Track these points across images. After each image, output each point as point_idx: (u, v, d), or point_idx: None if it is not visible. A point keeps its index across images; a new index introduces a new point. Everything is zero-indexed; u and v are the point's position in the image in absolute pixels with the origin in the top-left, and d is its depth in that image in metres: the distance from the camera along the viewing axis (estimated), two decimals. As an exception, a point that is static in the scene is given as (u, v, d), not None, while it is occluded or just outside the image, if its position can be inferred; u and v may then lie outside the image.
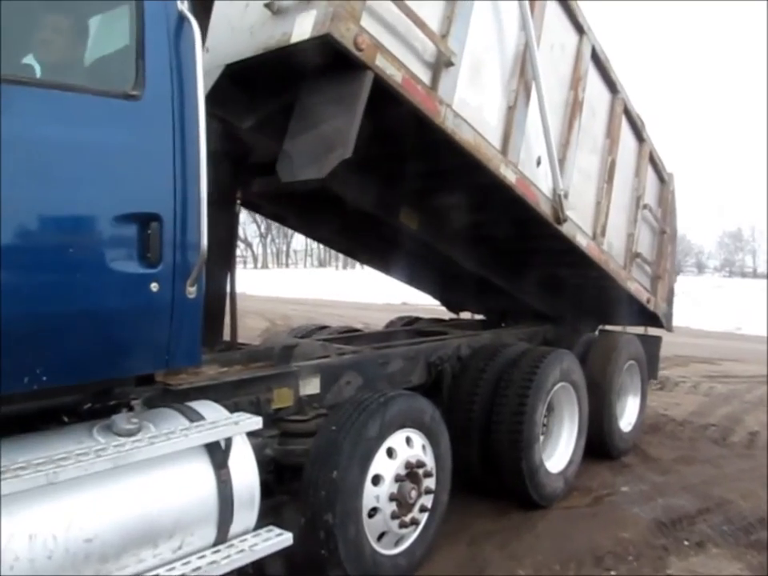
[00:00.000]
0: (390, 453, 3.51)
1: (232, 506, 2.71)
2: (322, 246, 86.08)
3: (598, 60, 5.13)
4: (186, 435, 2.55)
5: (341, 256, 79.05)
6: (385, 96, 3.37)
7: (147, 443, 2.45)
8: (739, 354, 13.35)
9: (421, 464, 3.64)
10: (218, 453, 2.70)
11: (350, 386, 4.21)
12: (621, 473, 5.75)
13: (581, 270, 5.83)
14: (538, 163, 4.57)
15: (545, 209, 4.67)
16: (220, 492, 2.67)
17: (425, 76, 3.54)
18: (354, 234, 6.00)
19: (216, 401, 3.37)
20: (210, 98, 3.40)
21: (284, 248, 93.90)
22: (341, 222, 5.74)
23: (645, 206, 6.24)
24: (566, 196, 4.71)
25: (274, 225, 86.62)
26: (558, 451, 5.06)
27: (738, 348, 14.57)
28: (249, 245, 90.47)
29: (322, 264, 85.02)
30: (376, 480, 3.42)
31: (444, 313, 8.08)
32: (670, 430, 7.31)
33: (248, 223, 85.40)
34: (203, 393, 3.35)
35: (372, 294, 25.90)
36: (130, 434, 2.54)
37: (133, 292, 2.47)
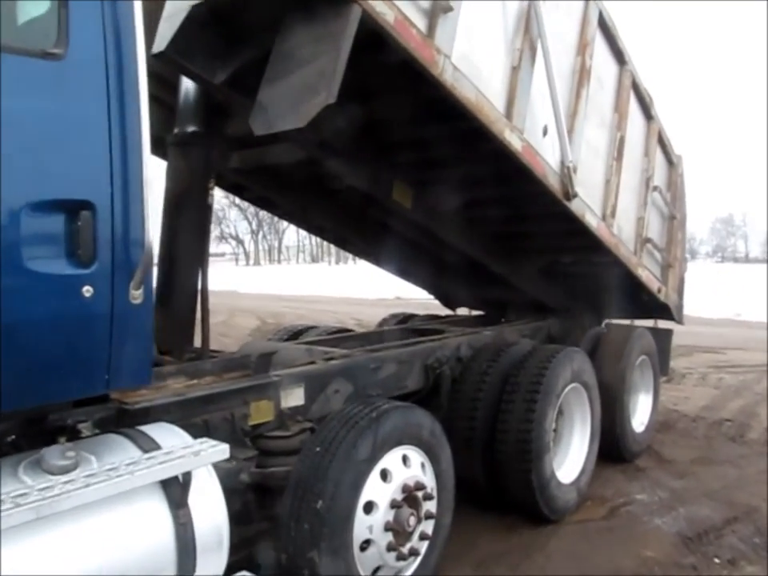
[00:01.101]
0: (385, 475, 3.05)
1: (194, 553, 2.25)
2: (314, 242, 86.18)
3: (605, 26, 4.67)
4: (132, 472, 2.07)
5: (333, 251, 79.01)
6: (375, 43, 2.92)
7: (82, 484, 1.97)
8: (743, 342, 12.98)
9: (420, 486, 3.18)
10: (175, 489, 2.22)
11: (339, 395, 3.76)
12: (636, 478, 5.31)
13: (588, 255, 5.39)
14: (545, 133, 4.12)
15: (552, 182, 4.22)
16: (178, 537, 2.20)
17: (420, 22, 3.07)
18: (345, 221, 5.56)
19: (183, 419, 2.95)
20: (175, 46, 3.01)
21: (276, 244, 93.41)
22: (330, 207, 5.32)
23: (655, 188, 5.79)
24: (574, 170, 4.25)
25: (266, 221, 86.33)
26: (570, 459, 4.62)
27: (741, 335, 14.20)
28: (240, 242, 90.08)
29: (314, 260, 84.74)
30: (368, 508, 2.96)
31: (439, 308, 7.63)
32: (683, 428, 6.89)
33: (239, 220, 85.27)
34: (167, 411, 2.90)
35: (365, 288, 25.51)
36: (63, 471, 2.07)
37: (59, 298, 1.99)
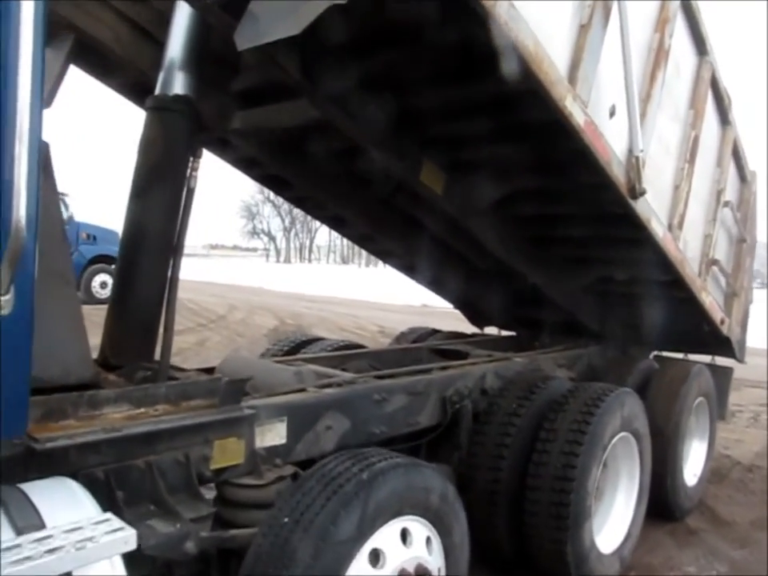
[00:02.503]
0: (376, 558, 2.28)
1: None
2: (345, 243, 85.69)
3: (688, 7, 3.88)
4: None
5: (363, 254, 78.41)
6: None
7: None
8: (795, 377, 11.91)
9: (423, 571, 2.41)
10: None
11: (332, 433, 3.03)
12: (688, 543, 4.47)
13: (646, 272, 4.59)
14: (612, 114, 3.36)
15: (617, 173, 3.46)
16: None
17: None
18: (368, 211, 4.82)
19: (117, 461, 2.26)
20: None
21: (307, 243, 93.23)
22: (351, 193, 4.62)
23: (726, 203, 4.96)
24: (643, 164, 3.48)
25: (299, 219, 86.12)
26: (612, 522, 3.80)
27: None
28: (272, 238, 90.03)
29: (344, 261, 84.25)
30: (350, 603, 2.20)
31: (465, 320, 6.85)
32: (738, 478, 5.99)
33: (272, 217, 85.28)
34: (94, 451, 2.20)
35: (392, 293, 24.79)
36: None
37: None
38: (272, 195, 79.96)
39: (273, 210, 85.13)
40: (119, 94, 3.96)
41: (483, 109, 3.44)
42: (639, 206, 3.67)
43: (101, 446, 2.22)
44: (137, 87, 3.76)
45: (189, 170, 2.94)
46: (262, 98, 3.57)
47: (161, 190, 3.00)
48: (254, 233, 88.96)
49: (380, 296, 25.75)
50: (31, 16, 1.46)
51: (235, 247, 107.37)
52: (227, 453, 2.63)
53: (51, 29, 3.26)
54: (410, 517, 2.41)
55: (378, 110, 3.48)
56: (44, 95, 3.14)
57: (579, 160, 3.34)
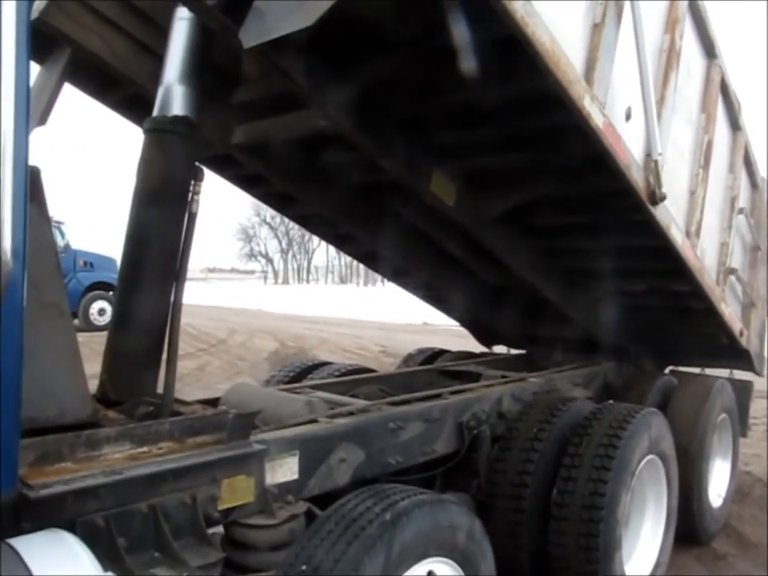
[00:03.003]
0: (401, 604, 2.11)
1: None
2: (343, 263, 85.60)
3: (695, 8, 3.78)
4: None
5: (362, 273, 78.36)
6: None
7: None
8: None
9: (450, 617, 2.24)
10: None
11: (346, 465, 2.86)
12: (716, 569, 4.28)
13: (665, 282, 4.45)
14: (628, 117, 3.25)
15: (636, 178, 3.33)
16: None
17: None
18: (375, 226, 4.62)
19: (118, 506, 2.08)
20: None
21: (305, 264, 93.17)
22: (358, 207, 4.46)
23: (740, 211, 4.83)
24: (662, 168, 3.38)
25: (296, 240, 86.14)
26: (640, 549, 3.62)
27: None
28: (270, 260, 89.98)
29: (342, 281, 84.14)
30: None
31: (469, 337, 6.70)
32: (760, 496, 5.80)
33: (270, 238, 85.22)
34: (93, 496, 2.02)
35: (392, 312, 24.62)
36: None
37: None
38: (268, 217, 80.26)
39: (270, 232, 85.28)
40: (116, 112, 3.83)
41: (496, 113, 3.32)
42: (659, 212, 3.55)
43: (100, 491, 2.05)
44: (134, 104, 3.63)
45: (190, 194, 2.79)
46: (265, 110, 3.46)
47: (161, 214, 2.84)
48: (252, 255, 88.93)
49: (380, 315, 25.59)
50: (13, 27, 1.31)
51: (233, 270, 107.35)
52: (236, 492, 2.46)
53: (45, 44, 3.18)
54: (437, 558, 2.23)
55: (386, 117, 3.37)
56: (39, 113, 3.07)
57: (597, 165, 3.22)
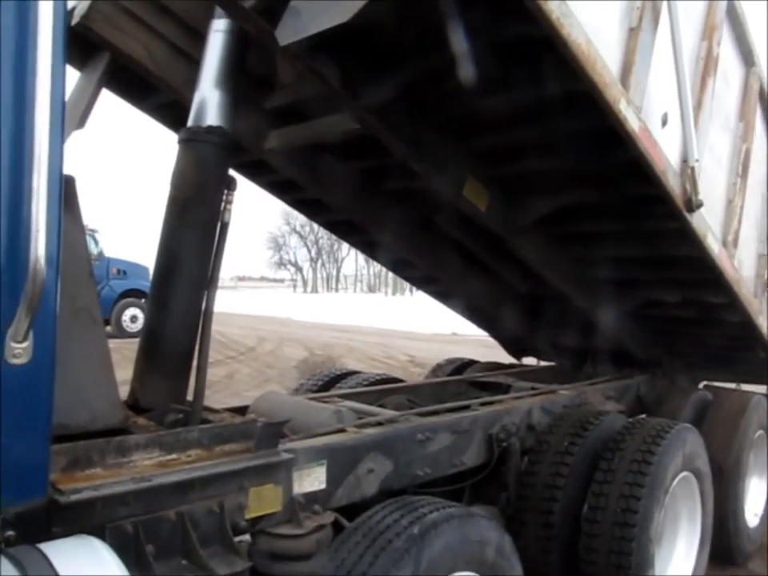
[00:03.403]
0: (428, 620, 2.08)
1: None
2: (371, 272, 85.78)
3: (734, 15, 3.73)
4: None
5: (390, 281, 78.41)
6: None
7: None
8: None
9: (479, 634, 2.20)
10: None
11: (373, 476, 2.83)
12: (754, 591, 4.17)
13: (700, 293, 4.34)
14: (664, 122, 3.21)
15: (673, 184, 3.29)
16: None
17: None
18: (407, 234, 4.64)
19: (147, 513, 2.09)
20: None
21: (334, 273, 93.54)
22: (390, 214, 4.46)
23: (779, 225, 4.70)
24: (698, 175, 3.34)
25: (325, 249, 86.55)
26: (673, 569, 3.55)
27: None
28: (299, 269, 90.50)
29: (371, 290, 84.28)
30: None
31: (498, 349, 6.64)
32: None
33: (299, 247, 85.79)
34: (122, 503, 2.03)
35: (420, 322, 24.55)
36: None
37: None
38: (298, 226, 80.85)
39: (299, 241, 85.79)
40: (152, 117, 3.92)
41: (531, 117, 3.31)
42: (695, 220, 3.49)
43: (129, 498, 2.06)
44: (170, 110, 3.72)
45: (223, 203, 2.82)
46: (298, 115, 3.51)
47: (194, 223, 2.87)
48: (281, 264, 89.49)
49: (409, 324, 25.54)
50: (50, 39, 1.33)
51: (262, 278, 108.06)
52: (264, 500, 2.46)
53: (85, 51, 3.27)
54: (465, 573, 2.20)
55: (419, 121, 3.38)
56: (77, 117, 3.15)
57: (632, 170, 3.18)
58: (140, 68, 3.29)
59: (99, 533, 1.89)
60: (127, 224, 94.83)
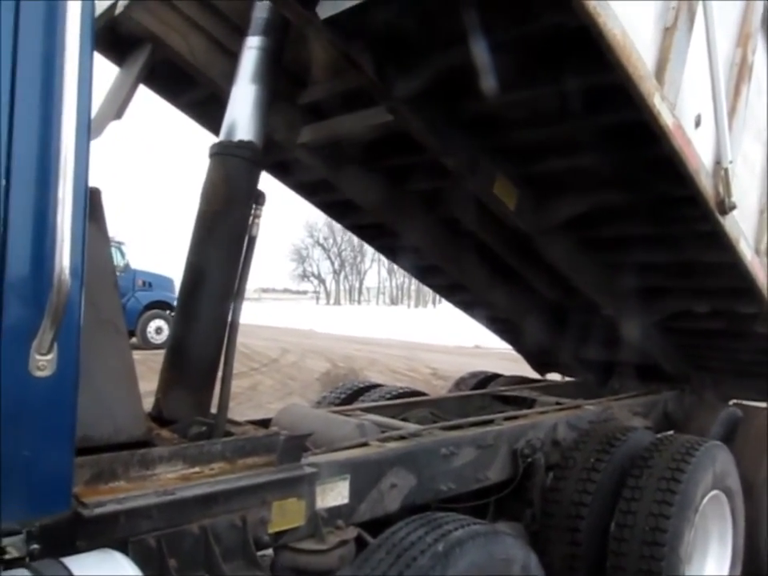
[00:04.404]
0: (452, 640, 2.04)
1: None
2: (394, 284, 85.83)
3: (768, 26, 3.68)
4: None
5: (413, 294, 78.28)
6: None
7: None
8: None
9: None
10: None
11: (396, 491, 2.81)
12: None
13: (731, 302, 4.26)
14: (697, 123, 3.19)
15: (705, 184, 3.26)
16: None
17: None
18: (435, 237, 4.62)
19: (170, 526, 2.07)
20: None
21: (357, 285, 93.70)
22: (418, 215, 4.48)
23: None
24: (732, 177, 3.31)
25: (348, 261, 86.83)
26: (703, 590, 3.44)
27: None
28: (322, 281, 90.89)
29: (393, 302, 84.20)
30: None
31: (521, 362, 6.57)
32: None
33: (322, 259, 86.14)
34: (146, 516, 2.02)
35: (443, 334, 24.44)
36: None
37: None
38: (321, 238, 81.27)
39: (322, 253, 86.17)
40: (187, 114, 4.02)
41: (561, 113, 3.29)
42: (728, 223, 3.44)
43: (153, 511, 2.05)
44: (205, 107, 3.83)
45: (251, 217, 2.83)
46: (331, 110, 3.60)
47: (222, 236, 2.89)
48: (304, 276, 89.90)
49: (431, 337, 25.45)
50: (77, 47, 1.33)
51: (286, 290, 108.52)
52: (287, 515, 2.44)
53: (124, 45, 3.37)
54: (489, 592, 2.16)
55: (451, 115, 3.42)
56: (115, 109, 3.25)
57: (665, 169, 3.15)
58: (179, 59, 3.41)
59: (122, 546, 1.89)
60: (152, 235, 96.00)
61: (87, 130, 1.36)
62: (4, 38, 1.29)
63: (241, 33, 3.17)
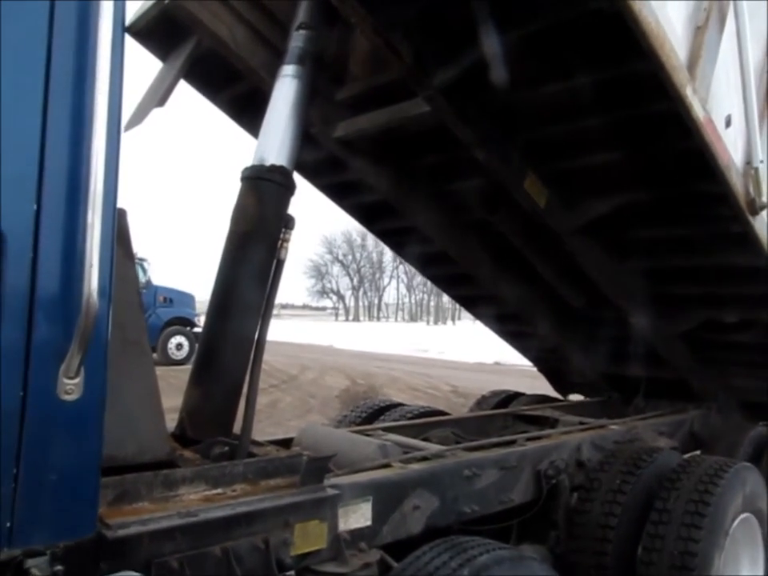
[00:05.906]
0: None
1: None
2: (413, 301, 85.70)
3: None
4: None
5: (432, 311, 78.03)
6: None
7: None
8: None
9: None
10: None
11: (419, 513, 2.77)
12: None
13: (760, 312, 4.15)
14: (728, 123, 3.20)
15: (736, 182, 3.25)
16: None
17: None
18: (460, 244, 4.64)
19: (192, 548, 2.06)
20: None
21: (376, 301, 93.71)
22: (446, 223, 4.52)
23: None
24: (763, 177, 3.33)
25: (367, 278, 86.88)
26: (734, 616, 3.36)
27: None
28: (341, 297, 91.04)
29: (412, 318, 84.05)
30: None
31: (541, 379, 6.51)
32: None
33: (341, 276, 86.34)
34: (169, 538, 2.01)
35: (463, 351, 24.32)
36: None
37: None
38: (340, 255, 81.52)
39: (341, 270, 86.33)
40: (224, 111, 4.14)
41: (594, 103, 3.29)
42: (758, 224, 3.42)
43: (176, 533, 2.04)
44: (243, 103, 3.95)
45: (280, 241, 2.85)
46: (367, 105, 3.70)
47: (251, 258, 2.90)
48: (323, 292, 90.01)
49: (451, 354, 25.33)
50: (107, 71, 1.34)
51: (305, 306, 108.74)
52: (309, 537, 2.41)
53: (168, 40, 3.54)
54: (516, 618, 2.12)
55: (486, 107, 3.51)
56: (159, 97, 3.39)
57: (695, 163, 3.15)
58: (222, 48, 3.55)
59: (145, 569, 1.88)
60: (171, 250, 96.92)
61: (117, 154, 1.37)
62: (34, 64, 1.31)
63: (282, 27, 3.38)
